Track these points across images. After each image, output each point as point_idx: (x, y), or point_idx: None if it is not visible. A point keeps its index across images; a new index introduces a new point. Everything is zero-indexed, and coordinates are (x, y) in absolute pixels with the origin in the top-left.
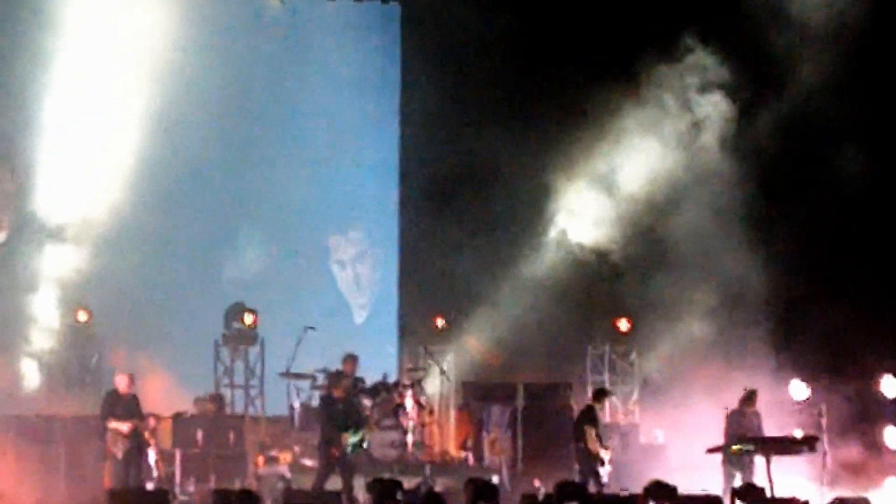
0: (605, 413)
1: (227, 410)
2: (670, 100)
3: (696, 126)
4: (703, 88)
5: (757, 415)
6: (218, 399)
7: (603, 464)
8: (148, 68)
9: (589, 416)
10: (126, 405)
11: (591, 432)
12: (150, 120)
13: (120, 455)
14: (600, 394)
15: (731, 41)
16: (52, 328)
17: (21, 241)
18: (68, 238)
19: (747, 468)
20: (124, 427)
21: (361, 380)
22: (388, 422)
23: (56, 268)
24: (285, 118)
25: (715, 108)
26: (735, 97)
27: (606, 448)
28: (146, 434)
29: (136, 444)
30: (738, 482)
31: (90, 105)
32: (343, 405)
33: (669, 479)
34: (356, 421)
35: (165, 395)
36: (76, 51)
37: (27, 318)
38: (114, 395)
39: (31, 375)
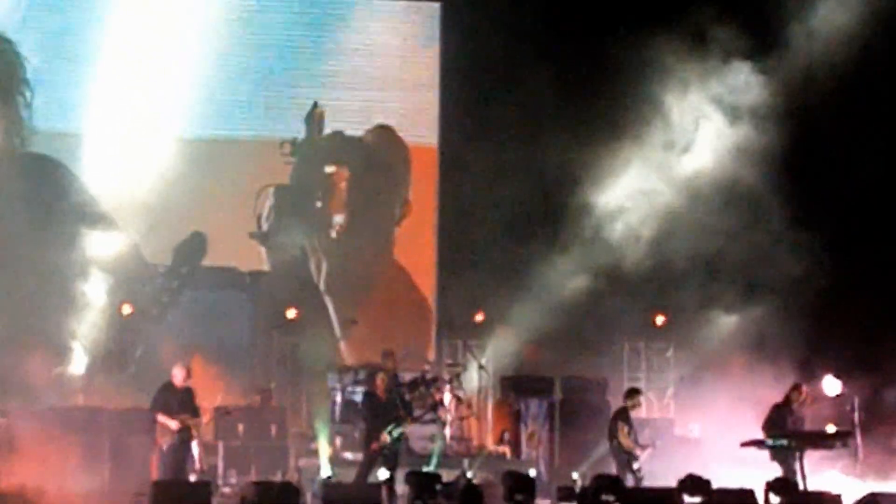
0: (642, 408)
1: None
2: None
3: (733, 111)
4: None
5: (802, 409)
6: (265, 392)
7: (636, 459)
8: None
9: (622, 415)
10: (180, 399)
11: (622, 430)
12: (200, 100)
13: (166, 447)
14: (632, 392)
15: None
16: (97, 320)
17: (68, 232)
18: (114, 228)
19: (787, 462)
20: (172, 424)
21: (400, 375)
22: (426, 416)
23: (102, 259)
24: (329, 97)
25: (747, 86)
26: (769, 71)
27: (643, 447)
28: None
29: (186, 438)
30: (797, 474)
31: (145, 89)
32: (384, 399)
33: (704, 473)
34: (397, 415)
35: (209, 387)
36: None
37: (73, 310)
38: (169, 387)
39: (76, 367)
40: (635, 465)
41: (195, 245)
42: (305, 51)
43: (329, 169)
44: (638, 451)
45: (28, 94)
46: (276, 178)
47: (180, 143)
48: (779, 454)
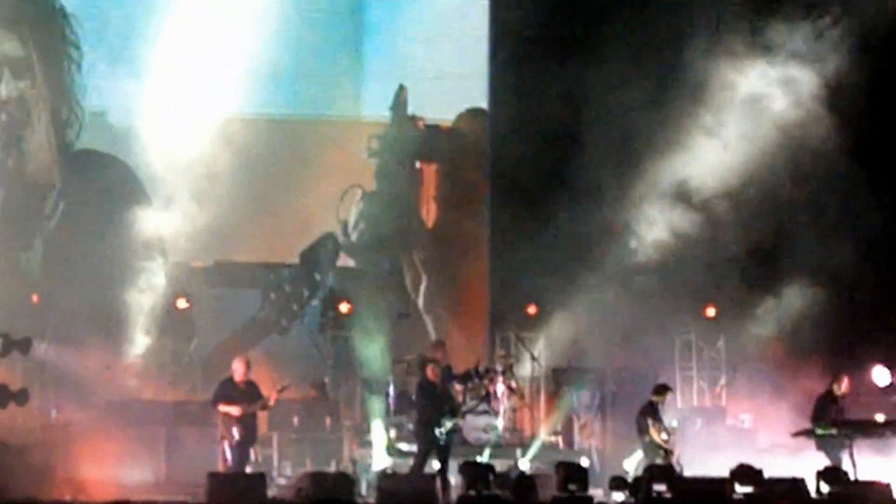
0: (694, 398)
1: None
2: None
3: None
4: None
5: (845, 397)
6: (319, 385)
7: (671, 454)
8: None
9: (649, 410)
10: (243, 393)
11: (654, 426)
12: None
13: (237, 439)
14: (663, 389)
15: None
16: (153, 314)
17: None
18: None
19: (834, 451)
20: (234, 410)
21: (450, 366)
22: (480, 407)
23: (157, 253)
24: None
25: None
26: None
27: (669, 433)
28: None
29: (251, 429)
30: (845, 462)
31: (195, 82)
32: (438, 391)
33: (756, 463)
34: (451, 406)
35: (262, 381)
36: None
37: (129, 304)
38: (229, 382)
39: (132, 361)
40: (673, 460)
41: (328, 249)
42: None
43: (419, 165)
44: (668, 445)
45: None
46: (359, 163)
47: (249, 122)
48: (826, 444)
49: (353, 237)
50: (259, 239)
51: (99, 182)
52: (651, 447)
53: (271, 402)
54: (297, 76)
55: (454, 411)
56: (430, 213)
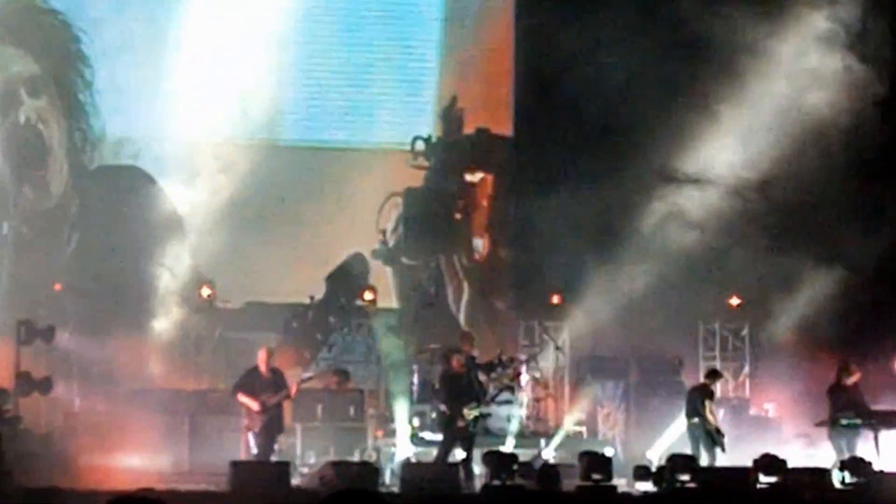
0: (717, 388)
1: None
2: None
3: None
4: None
5: (857, 386)
6: (342, 373)
7: (722, 435)
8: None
9: (704, 392)
10: (267, 382)
11: (709, 407)
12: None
13: (256, 429)
14: (715, 374)
15: None
16: (176, 303)
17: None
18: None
19: (852, 441)
20: (254, 405)
21: (475, 357)
22: (503, 397)
23: (181, 243)
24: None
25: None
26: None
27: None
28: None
29: (277, 418)
30: (867, 452)
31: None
32: (462, 380)
33: (780, 453)
34: (475, 396)
35: (286, 371)
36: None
37: (152, 293)
38: (253, 372)
39: (156, 349)
40: (722, 440)
41: (356, 270)
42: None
43: (471, 177)
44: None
45: (92, 98)
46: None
47: (283, 150)
48: (840, 435)
49: (391, 242)
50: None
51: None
52: (700, 430)
53: (293, 392)
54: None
55: (478, 400)
56: (475, 220)
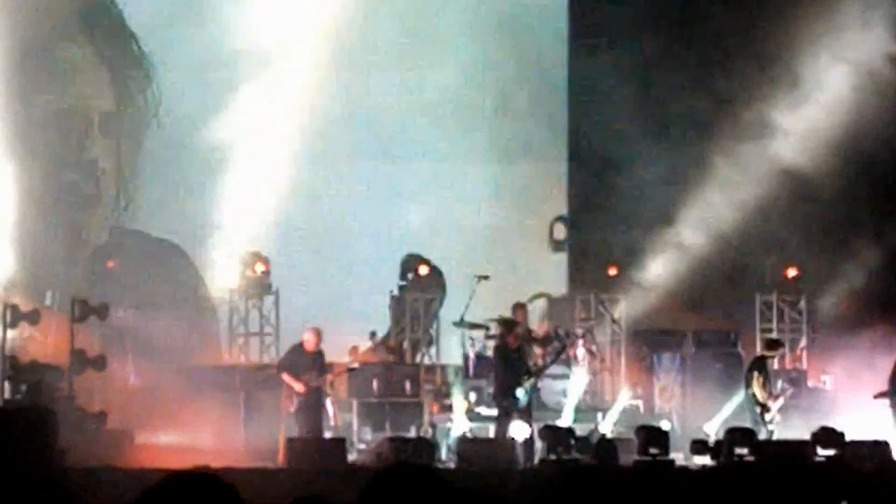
0: (775, 360)
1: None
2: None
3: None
4: None
5: None
6: (398, 349)
7: (768, 411)
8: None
9: (758, 364)
10: (311, 361)
11: (758, 380)
12: (328, 67)
13: (294, 408)
14: (773, 344)
15: None
16: (230, 279)
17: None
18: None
19: None
20: (297, 386)
21: (531, 329)
22: (559, 370)
23: (233, 218)
24: (452, 69)
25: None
26: None
27: (775, 397)
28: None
29: (315, 398)
30: None
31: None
32: (517, 354)
33: (837, 426)
34: (529, 369)
35: (342, 345)
36: None
37: (206, 269)
38: (298, 349)
39: (210, 326)
40: (767, 417)
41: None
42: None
43: None
44: (770, 402)
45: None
46: None
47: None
48: None
49: None
50: None
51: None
52: (750, 403)
53: (331, 377)
54: None
55: (530, 374)
56: None
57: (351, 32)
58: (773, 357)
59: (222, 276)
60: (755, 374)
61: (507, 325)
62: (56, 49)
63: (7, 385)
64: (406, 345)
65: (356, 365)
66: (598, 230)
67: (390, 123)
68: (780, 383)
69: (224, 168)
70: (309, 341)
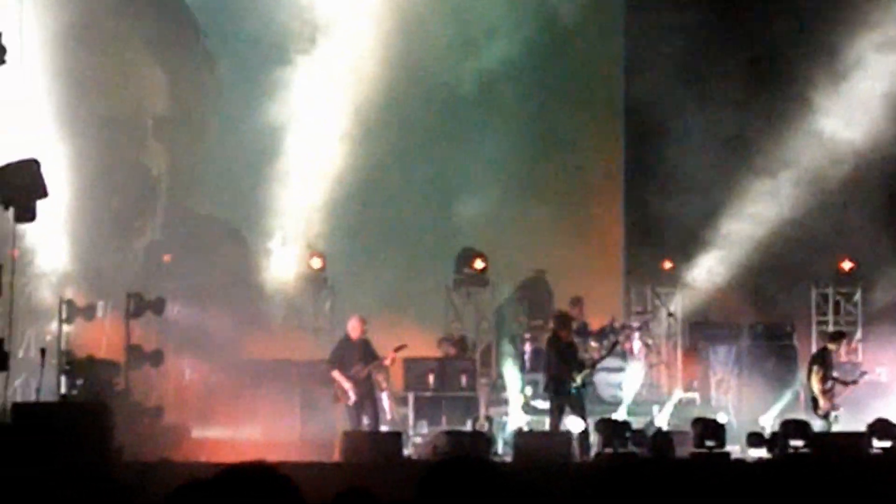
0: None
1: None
2: None
3: None
4: None
5: None
6: (459, 342)
7: (819, 407)
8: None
9: (819, 357)
10: (358, 351)
11: (817, 373)
12: (385, 66)
13: (350, 402)
14: (836, 336)
15: None
16: (286, 271)
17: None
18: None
19: None
20: (346, 384)
21: (586, 323)
22: (615, 363)
23: (288, 213)
24: (510, 66)
25: None
26: None
27: (845, 383)
28: (379, 378)
29: (367, 389)
30: None
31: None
32: (570, 347)
33: (893, 417)
34: (583, 363)
35: (398, 339)
36: None
37: (262, 265)
38: (345, 341)
39: (266, 320)
40: (819, 412)
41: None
42: None
43: None
44: (822, 398)
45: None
46: None
47: None
48: None
49: None
50: None
51: None
52: (809, 394)
53: (387, 362)
54: None
55: (582, 368)
56: None
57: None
58: (836, 349)
59: (278, 266)
60: (815, 366)
61: (561, 319)
62: (111, 51)
63: (63, 380)
64: (467, 340)
65: (403, 344)
66: (654, 223)
67: (446, 108)
68: (857, 371)
69: (279, 151)
70: (354, 329)
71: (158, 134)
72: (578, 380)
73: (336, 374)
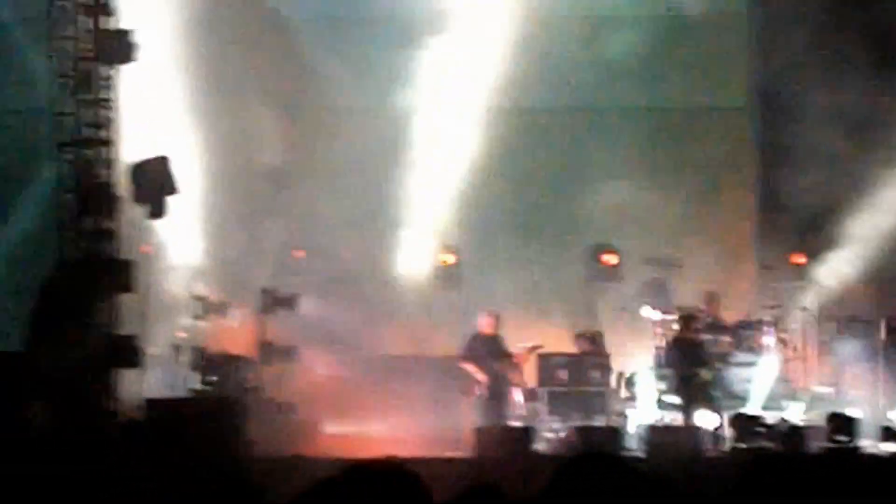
0: None
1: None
2: None
3: None
4: None
5: None
6: (594, 337)
7: None
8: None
9: None
10: (489, 346)
11: None
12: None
13: (479, 394)
14: None
15: None
16: (418, 267)
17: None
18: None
19: None
20: (480, 376)
21: (720, 318)
22: (747, 358)
23: (420, 205)
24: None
25: None
26: None
27: None
28: (511, 374)
29: (498, 385)
30: None
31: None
32: (695, 345)
33: None
34: (710, 359)
35: (529, 333)
36: None
37: (392, 261)
38: (476, 337)
39: (398, 316)
40: None
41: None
42: None
43: None
44: None
45: None
46: None
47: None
48: None
49: None
50: None
51: None
52: None
53: (521, 360)
54: None
55: (709, 364)
56: None
57: None
58: None
59: (409, 260)
60: None
61: (686, 317)
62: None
63: (197, 376)
64: (602, 336)
65: (539, 344)
66: (787, 216)
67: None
68: None
69: (408, 141)
70: (484, 325)
71: (287, 128)
72: (707, 376)
73: (468, 365)
